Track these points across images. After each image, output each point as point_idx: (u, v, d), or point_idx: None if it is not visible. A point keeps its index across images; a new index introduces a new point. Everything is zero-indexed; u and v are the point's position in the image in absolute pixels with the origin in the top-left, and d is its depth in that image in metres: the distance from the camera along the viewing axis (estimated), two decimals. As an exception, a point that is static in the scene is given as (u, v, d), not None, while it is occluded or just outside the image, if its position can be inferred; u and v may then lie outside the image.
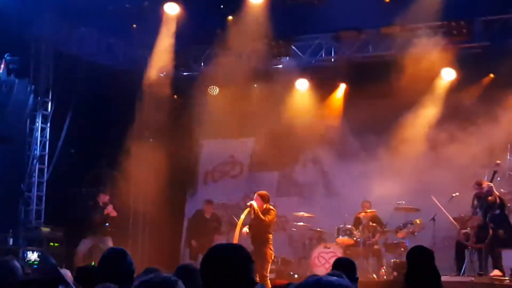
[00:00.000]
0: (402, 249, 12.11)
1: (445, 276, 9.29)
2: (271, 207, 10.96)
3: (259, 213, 10.72)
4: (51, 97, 14.31)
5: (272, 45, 14.46)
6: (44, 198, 14.22)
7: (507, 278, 10.43)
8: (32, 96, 13.17)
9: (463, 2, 12.89)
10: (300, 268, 13.19)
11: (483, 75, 13.48)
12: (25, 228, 13.47)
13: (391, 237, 12.71)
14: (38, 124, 14.12)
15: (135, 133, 14.66)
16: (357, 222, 12.96)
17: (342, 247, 12.55)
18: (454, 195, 11.78)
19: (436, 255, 5.94)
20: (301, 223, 13.30)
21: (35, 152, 14.07)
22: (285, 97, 14.92)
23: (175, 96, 15.78)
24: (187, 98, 15.35)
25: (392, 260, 12.20)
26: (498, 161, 11.83)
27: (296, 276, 12.71)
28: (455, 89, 13.55)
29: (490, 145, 12.60)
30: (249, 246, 10.13)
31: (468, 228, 10.98)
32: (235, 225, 11.21)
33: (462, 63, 13.34)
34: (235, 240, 10.49)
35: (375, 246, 12.53)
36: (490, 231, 10.65)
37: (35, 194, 14.08)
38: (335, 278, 2.32)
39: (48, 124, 14.28)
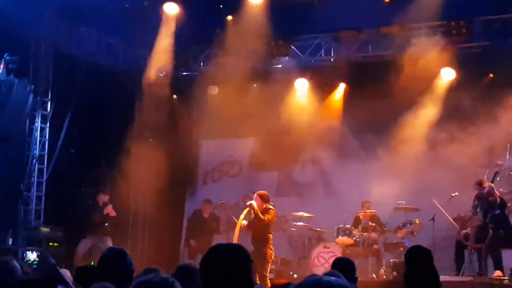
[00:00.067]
0: (402, 249, 12.09)
1: (444, 276, 9.31)
2: (271, 206, 10.95)
3: (259, 213, 10.71)
4: (51, 97, 14.29)
5: (271, 45, 14.46)
6: (43, 198, 14.20)
7: (506, 278, 10.42)
8: (31, 96, 13.13)
9: (463, 2, 12.90)
10: (300, 268, 13.18)
11: (483, 75, 13.45)
12: (25, 228, 13.45)
13: (391, 237, 12.71)
14: (38, 124, 14.10)
15: (135, 133, 14.65)
16: (356, 222, 12.96)
17: (342, 247, 12.53)
18: (453, 195, 11.78)
19: (435, 255, 5.95)
20: (301, 223, 13.28)
21: (35, 152, 14.04)
22: (284, 97, 14.92)
23: (174, 96, 15.79)
24: (186, 98, 15.34)
25: (391, 260, 12.21)
26: (499, 162, 11.81)
27: (295, 276, 12.68)
28: (454, 89, 13.53)
29: (490, 145, 12.61)
30: (249, 246, 10.13)
31: (468, 228, 10.98)
32: (234, 224, 11.20)
33: (461, 63, 13.33)
34: (235, 240, 10.49)
35: (375, 246, 12.52)
36: (490, 231, 10.63)
37: (35, 194, 14.05)
38: (334, 278, 2.33)
39: (48, 124, 14.25)
